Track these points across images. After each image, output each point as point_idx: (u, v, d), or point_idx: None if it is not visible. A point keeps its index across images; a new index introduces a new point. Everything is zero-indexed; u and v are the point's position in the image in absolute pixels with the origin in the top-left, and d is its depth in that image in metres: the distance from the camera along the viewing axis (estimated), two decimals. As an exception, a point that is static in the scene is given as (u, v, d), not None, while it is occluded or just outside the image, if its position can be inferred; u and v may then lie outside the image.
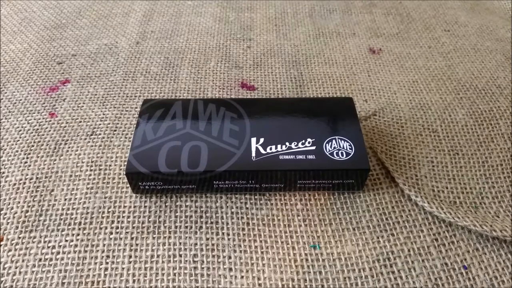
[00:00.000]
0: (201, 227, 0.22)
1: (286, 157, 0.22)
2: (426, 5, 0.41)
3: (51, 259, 0.21)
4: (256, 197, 0.24)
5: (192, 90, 0.31)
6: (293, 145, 0.23)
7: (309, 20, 0.39)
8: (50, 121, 0.27)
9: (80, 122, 0.27)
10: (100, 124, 0.27)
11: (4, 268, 0.20)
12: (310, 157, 0.22)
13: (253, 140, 0.23)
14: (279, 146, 0.23)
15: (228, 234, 0.22)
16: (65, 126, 0.27)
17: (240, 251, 0.22)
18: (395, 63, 0.34)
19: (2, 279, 0.20)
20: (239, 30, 0.37)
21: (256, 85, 0.32)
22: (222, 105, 0.25)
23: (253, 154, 0.22)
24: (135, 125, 0.24)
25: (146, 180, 0.22)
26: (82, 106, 0.28)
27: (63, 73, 0.32)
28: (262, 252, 0.22)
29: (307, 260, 0.21)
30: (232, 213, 0.23)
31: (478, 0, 0.42)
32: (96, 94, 0.30)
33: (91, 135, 0.27)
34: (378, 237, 0.22)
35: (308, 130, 0.24)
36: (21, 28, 0.36)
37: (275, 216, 0.23)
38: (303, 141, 0.23)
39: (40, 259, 0.21)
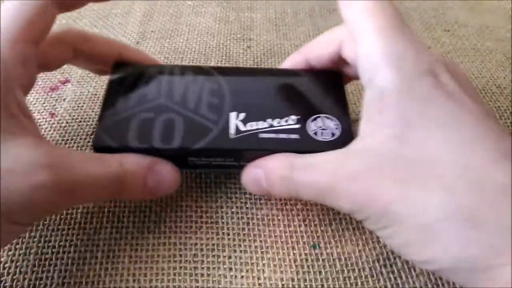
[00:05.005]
0: (201, 227, 0.23)
1: (267, 135, 0.21)
2: (426, 5, 0.41)
3: (51, 259, 0.21)
4: (256, 196, 0.24)
5: (192, 90, 0.31)
6: (275, 123, 0.21)
7: (309, 20, 0.39)
8: (50, 121, 0.27)
9: (80, 122, 0.27)
10: (100, 124, 0.27)
11: (4, 268, 0.20)
12: (293, 136, 0.21)
13: (233, 115, 0.21)
14: (260, 123, 0.21)
15: (228, 234, 0.22)
16: (65, 126, 0.27)
17: (240, 251, 0.22)
18: (395, 63, 0.34)
19: (2, 279, 0.20)
20: (239, 30, 0.37)
21: (256, 85, 0.32)
22: (201, 73, 0.23)
23: (232, 131, 0.21)
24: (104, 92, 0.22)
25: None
26: (82, 106, 0.28)
27: (63, 73, 0.32)
28: (262, 252, 0.22)
29: (307, 260, 0.21)
30: (232, 213, 0.23)
31: (478, 0, 0.42)
32: (96, 94, 0.30)
33: (92, 135, 0.27)
34: (378, 237, 0.22)
35: (292, 106, 0.22)
36: (21, 28, 0.36)
37: (275, 216, 0.23)
38: (286, 118, 0.21)
39: (40, 259, 0.21)
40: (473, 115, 0.16)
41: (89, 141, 0.26)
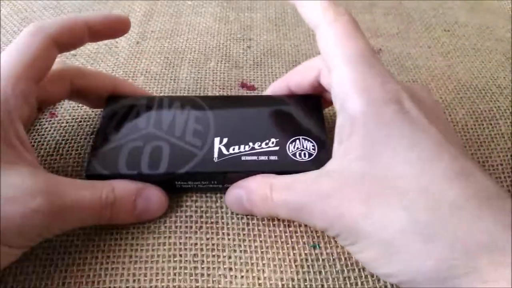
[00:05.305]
0: (201, 227, 0.23)
1: (249, 158, 0.22)
2: (426, 5, 0.41)
3: (52, 259, 0.21)
4: (256, 197, 0.24)
5: (192, 90, 0.31)
6: (256, 146, 0.22)
7: (309, 20, 0.38)
8: (51, 121, 0.27)
9: (81, 122, 0.27)
10: (100, 124, 0.27)
11: (5, 269, 0.20)
12: (273, 158, 0.22)
13: (217, 140, 0.22)
14: (242, 146, 0.22)
15: (228, 234, 0.22)
16: (65, 126, 0.27)
17: (240, 251, 0.22)
18: (395, 63, 0.34)
19: (3, 279, 0.20)
20: (239, 30, 0.37)
21: (256, 85, 0.32)
22: (187, 103, 0.25)
23: (216, 155, 0.22)
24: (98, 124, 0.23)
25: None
26: (82, 106, 0.28)
27: (63, 73, 0.32)
28: (262, 252, 0.22)
29: (307, 260, 0.21)
30: (232, 213, 0.23)
31: (478, 0, 0.42)
32: (96, 94, 0.30)
33: (91, 135, 0.27)
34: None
35: (272, 130, 0.23)
36: (21, 28, 0.36)
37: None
38: (267, 141, 0.22)
39: (41, 259, 0.21)
40: (432, 138, 0.17)
41: (89, 141, 0.26)
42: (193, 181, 0.22)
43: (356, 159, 0.18)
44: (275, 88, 0.26)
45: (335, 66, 0.19)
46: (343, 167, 0.18)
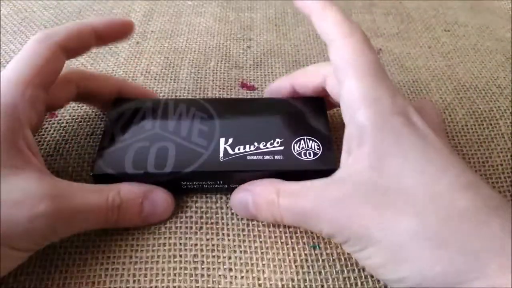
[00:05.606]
0: (201, 227, 0.23)
1: (254, 157, 0.22)
2: (426, 5, 0.41)
3: (52, 260, 0.21)
4: (256, 197, 0.24)
5: (192, 90, 0.31)
6: (261, 145, 0.22)
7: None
8: (51, 121, 0.27)
9: (81, 122, 0.28)
10: (100, 124, 0.27)
11: (5, 269, 0.21)
12: (278, 157, 0.22)
13: (222, 140, 0.23)
14: (247, 146, 0.22)
15: (228, 235, 0.22)
16: (65, 126, 0.27)
17: (240, 252, 0.22)
18: (395, 63, 0.34)
19: (3, 279, 0.20)
20: (239, 30, 0.37)
21: (256, 85, 0.32)
22: (193, 105, 0.25)
23: (221, 154, 0.22)
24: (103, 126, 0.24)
25: (113, 181, 0.22)
26: (82, 106, 0.29)
27: (63, 73, 0.32)
28: (262, 253, 0.22)
29: (307, 260, 0.21)
30: (232, 214, 0.23)
31: (478, 0, 0.42)
32: (96, 94, 0.30)
33: (91, 135, 0.27)
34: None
35: (277, 130, 0.23)
36: (21, 28, 0.36)
37: (275, 217, 0.23)
38: (272, 141, 0.23)
39: (42, 260, 0.21)
40: (439, 151, 0.18)
41: (89, 141, 0.26)
42: (199, 181, 0.22)
43: (366, 168, 0.18)
44: (278, 84, 0.26)
45: (346, 78, 0.20)
46: (353, 175, 0.19)
